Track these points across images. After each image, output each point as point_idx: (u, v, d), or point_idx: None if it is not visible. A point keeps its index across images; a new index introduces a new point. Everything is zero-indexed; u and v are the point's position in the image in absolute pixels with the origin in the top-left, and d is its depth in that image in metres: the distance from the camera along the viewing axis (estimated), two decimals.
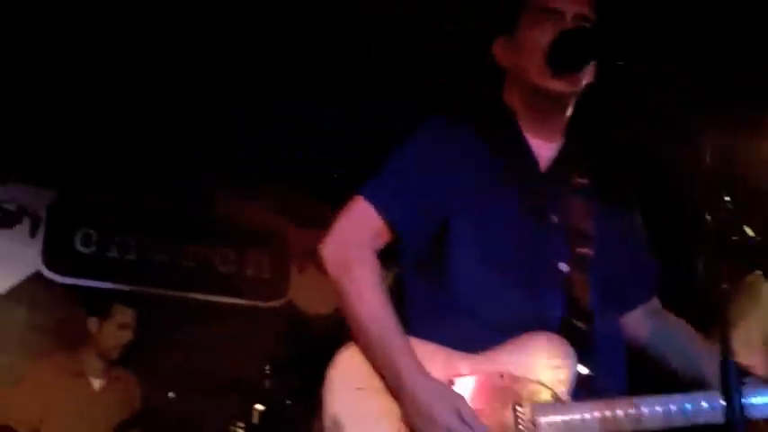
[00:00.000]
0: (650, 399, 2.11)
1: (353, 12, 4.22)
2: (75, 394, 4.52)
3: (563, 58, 2.26)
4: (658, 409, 2.09)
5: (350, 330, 2.19)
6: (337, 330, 2.26)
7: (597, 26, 2.35)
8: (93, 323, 4.81)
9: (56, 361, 4.71)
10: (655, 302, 2.58)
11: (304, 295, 6.47)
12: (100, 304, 4.89)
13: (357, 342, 2.18)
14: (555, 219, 2.33)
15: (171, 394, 4.52)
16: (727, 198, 1.90)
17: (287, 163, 5.81)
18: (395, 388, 2.10)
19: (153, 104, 5.23)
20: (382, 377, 2.12)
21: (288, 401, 4.81)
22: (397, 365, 2.09)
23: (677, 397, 2.13)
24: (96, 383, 4.77)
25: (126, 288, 5.78)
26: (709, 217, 1.88)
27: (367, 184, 2.35)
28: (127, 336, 4.83)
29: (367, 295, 2.19)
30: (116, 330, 4.80)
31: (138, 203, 6.21)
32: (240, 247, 6.50)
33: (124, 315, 4.85)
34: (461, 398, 2.07)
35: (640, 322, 2.53)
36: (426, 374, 2.09)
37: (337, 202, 2.38)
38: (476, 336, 2.18)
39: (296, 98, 5.07)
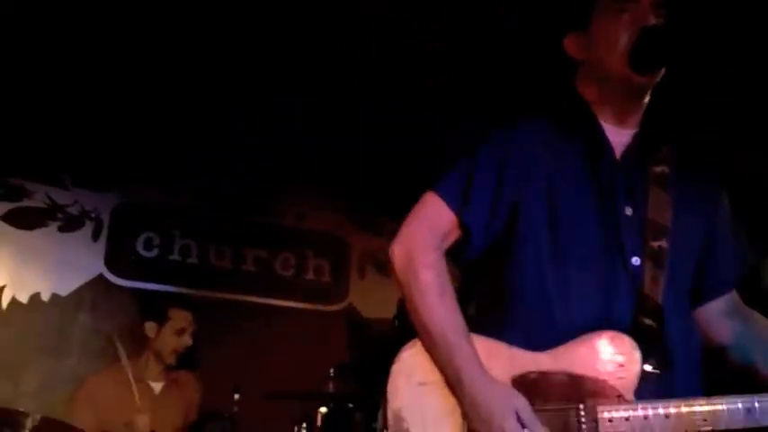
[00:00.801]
0: (719, 398, 2.04)
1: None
2: (135, 399, 4.54)
3: (646, 58, 2.24)
4: (724, 407, 2.02)
5: (415, 331, 2.19)
6: (397, 335, 2.24)
7: (676, 24, 2.30)
8: (150, 328, 4.84)
9: (117, 367, 4.73)
10: (734, 298, 2.46)
11: (364, 299, 6.47)
12: (157, 309, 4.91)
13: (422, 343, 2.18)
14: (629, 210, 2.27)
15: (236, 396, 4.52)
16: None
17: (350, 165, 5.82)
18: (455, 389, 2.09)
19: (210, 111, 5.27)
20: (444, 375, 2.12)
21: (349, 404, 4.78)
22: (457, 368, 2.09)
23: (749, 398, 2.05)
24: (157, 387, 4.80)
25: (186, 291, 5.81)
26: None
27: (440, 180, 2.34)
28: (184, 341, 4.84)
29: (432, 300, 2.19)
30: (173, 335, 4.82)
31: (199, 207, 6.26)
32: (301, 250, 6.52)
33: (181, 320, 4.87)
34: (521, 399, 2.04)
35: (719, 319, 2.42)
36: (486, 376, 2.08)
37: (395, 208, 2.37)
38: (542, 333, 2.16)
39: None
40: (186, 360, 4.91)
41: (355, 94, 4.92)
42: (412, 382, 2.13)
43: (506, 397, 2.05)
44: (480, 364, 2.09)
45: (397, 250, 2.28)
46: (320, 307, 6.44)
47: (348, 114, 5.15)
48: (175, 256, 6.13)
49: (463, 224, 2.28)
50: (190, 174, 5.97)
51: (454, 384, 2.09)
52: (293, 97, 5.04)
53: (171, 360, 4.81)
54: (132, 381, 4.51)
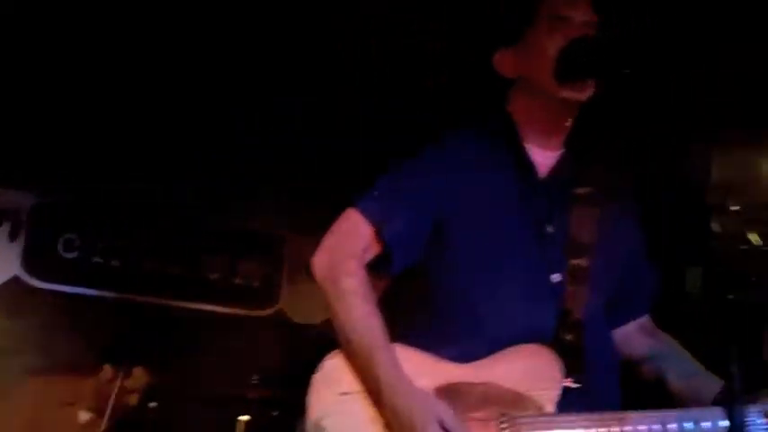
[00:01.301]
0: (639, 414, 2.06)
1: (353, 12, 4.18)
2: (59, 423, 4.39)
3: (571, 67, 2.25)
4: (644, 427, 2.04)
5: (337, 340, 2.19)
6: (328, 341, 2.23)
7: (604, 34, 2.33)
8: (108, 372, 4.70)
9: (49, 382, 4.58)
10: (648, 319, 2.55)
11: (295, 304, 6.40)
12: (125, 359, 4.78)
13: (344, 351, 2.17)
14: (551, 229, 2.31)
15: (152, 404, 4.42)
16: (733, 207, 1.85)
17: (286, 166, 5.71)
18: (376, 397, 2.08)
19: (141, 106, 5.17)
20: (365, 385, 2.11)
21: (274, 413, 4.72)
22: (378, 377, 2.07)
23: (672, 413, 2.08)
24: (83, 417, 4.65)
25: (108, 295, 5.65)
26: (716, 226, 1.82)
27: (362, 196, 2.34)
28: (132, 400, 4.72)
29: (352, 306, 2.18)
30: (125, 392, 4.70)
31: (124, 208, 6.07)
32: (229, 253, 6.40)
33: (139, 380, 4.75)
34: (444, 406, 2.04)
35: (632, 338, 2.50)
36: (408, 384, 2.07)
37: (339, 209, 2.36)
38: (466, 346, 2.17)
39: (296, 98, 5.01)
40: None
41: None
42: (334, 392, 2.12)
43: (428, 405, 2.04)
44: (401, 373, 2.08)
45: (318, 261, 2.28)
46: (248, 312, 6.33)
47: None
48: (98, 259, 5.94)
49: (384, 242, 2.28)
50: (112, 172, 5.80)
51: (375, 393, 2.08)
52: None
53: (107, 411, 4.67)
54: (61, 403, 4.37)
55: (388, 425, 2.04)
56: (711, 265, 1.79)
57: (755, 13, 4.07)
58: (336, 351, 2.18)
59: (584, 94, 2.31)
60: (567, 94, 2.29)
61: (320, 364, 2.17)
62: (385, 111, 4.97)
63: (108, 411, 4.70)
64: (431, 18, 4.19)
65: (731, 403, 1.66)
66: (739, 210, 1.83)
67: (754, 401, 2.08)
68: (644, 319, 2.53)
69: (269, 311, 6.40)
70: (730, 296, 1.74)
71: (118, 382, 4.69)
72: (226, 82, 4.87)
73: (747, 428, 1.99)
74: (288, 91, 4.91)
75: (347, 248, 2.27)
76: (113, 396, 4.69)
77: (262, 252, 6.51)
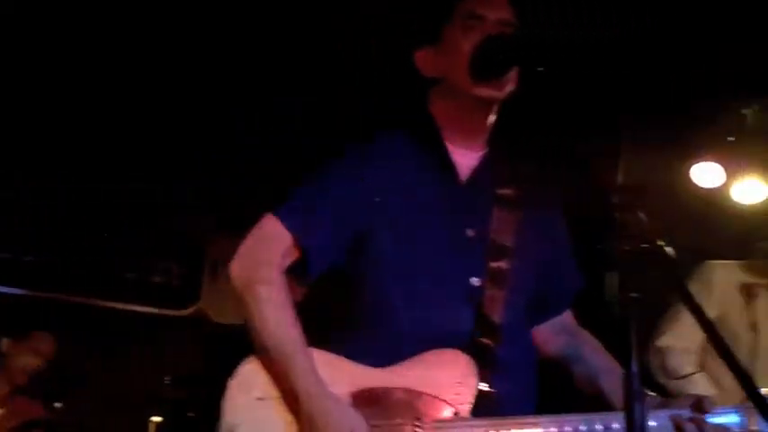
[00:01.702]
0: (552, 418, 2.08)
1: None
2: None
3: (485, 64, 2.26)
4: (555, 430, 2.06)
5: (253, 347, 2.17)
6: (249, 341, 2.21)
7: (518, 32, 2.35)
8: (6, 344, 4.57)
9: None
10: (569, 317, 2.57)
11: (216, 304, 6.33)
12: (17, 326, 4.65)
13: (259, 357, 2.15)
14: (470, 232, 2.31)
15: (57, 404, 4.32)
16: (640, 211, 1.88)
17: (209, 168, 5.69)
18: (292, 403, 2.07)
19: (59, 98, 5.05)
20: (281, 390, 2.10)
21: (190, 414, 4.66)
22: (294, 382, 2.07)
23: (583, 416, 2.10)
24: None
25: (25, 293, 5.52)
26: (621, 229, 1.86)
27: (280, 203, 2.32)
28: (37, 362, 4.59)
29: (268, 312, 2.17)
30: (28, 354, 4.57)
31: (38, 203, 5.93)
32: (148, 252, 6.31)
33: (41, 341, 4.63)
34: (357, 415, 2.05)
35: (549, 336, 2.51)
36: (323, 390, 2.07)
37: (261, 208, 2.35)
38: (384, 350, 2.17)
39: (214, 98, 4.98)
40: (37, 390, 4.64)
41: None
42: (250, 397, 2.10)
43: (343, 412, 2.04)
44: (317, 378, 2.08)
45: (235, 267, 2.26)
46: (167, 312, 6.26)
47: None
48: (7, 255, 5.81)
49: (301, 248, 2.26)
50: (26, 167, 5.66)
51: (290, 397, 2.07)
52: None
53: (21, 380, 4.55)
54: None
55: (302, 430, 2.04)
56: (614, 266, 1.83)
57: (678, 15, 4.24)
58: (253, 356, 2.16)
59: (499, 92, 2.31)
60: (482, 92, 2.29)
61: (236, 370, 2.14)
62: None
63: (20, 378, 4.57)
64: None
65: (629, 408, 1.68)
66: (645, 210, 1.88)
67: (664, 405, 2.15)
68: (565, 317, 2.55)
69: (188, 311, 6.33)
70: (633, 295, 1.77)
71: (19, 347, 4.56)
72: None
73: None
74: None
75: (264, 255, 2.25)
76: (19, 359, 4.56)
77: (182, 250, 6.44)
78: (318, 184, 2.33)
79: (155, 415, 4.60)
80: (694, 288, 3.64)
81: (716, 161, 5.07)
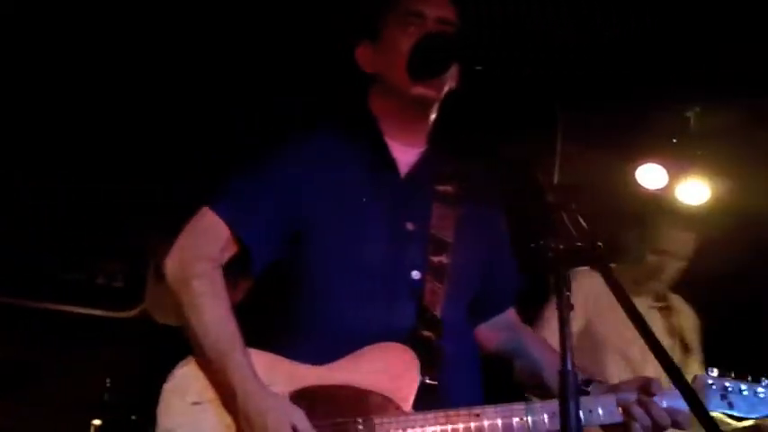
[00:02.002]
0: (495, 408, 2.09)
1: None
2: None
3: (423, 63, 2.25)
4: (499, 421, 2.07)
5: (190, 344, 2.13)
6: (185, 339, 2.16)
7: (457, 31, 2.35)
8: None
9: None
10: (512, 314, 2.59)
11: (161, 305, 6.24)
12: None
13: (195, 356, 2.11)
14: (410, 226, 2.30)
15: None
16: (576, 211, 1.90)
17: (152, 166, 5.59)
18: (230, 403, 2.03)
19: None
20: (219, 392, 2.06)
21: (133, 417, 4.59)
22: (230, 380, 2.03)
23: (526, 406, 2.12)
24: None
25: None
26: (556, 228, 1.88)
27: (216, 195, 2.27)
28: None
29: (204, 309, 2.12)
30: None
31: None
32: (92, 254, 6.20)
33: None
34: (299, 412, 2.01)
35: (492, 333, 2.53)
36: (261, 388, 2.03)
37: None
38: (324, 346, 2.15)
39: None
40: None
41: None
42: (185, 401, 2.07)
43: (282, 410, 2.01)
44: (255, 376, 2.04)
45: (170, 262, 2.21)
46: (111, 314, 6.15)
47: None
48: None
49: (241, 242, 2.23)
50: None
51: (227, 397, 2.03)
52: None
53: None
54: None
55: (240, 431, 2.00)
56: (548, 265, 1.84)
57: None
58: (188, 359, 2.12)
59: (436, 92, 2.31)
60: (418, 91, 2.29)
61: (171, 373, 2.10)
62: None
63: None
64: None
65: (564, 405, 1.70)
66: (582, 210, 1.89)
67: (612, 390, 2.17)
68: (508, 314, 2.56)
69: (132, 313, 6.24)
70: (568, 294, 1.78)
71: None
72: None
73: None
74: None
75: (201, 249, 2.21)
76: None
77: (125, 251, 6.34)
78: (256, 176, 2.30)
79: (96, 418, 4.52)
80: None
81: (660, 163, 5.16)
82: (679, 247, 3.81)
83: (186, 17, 4.27)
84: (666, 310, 3.85)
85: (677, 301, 4.10)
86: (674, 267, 3.80)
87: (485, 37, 2.25)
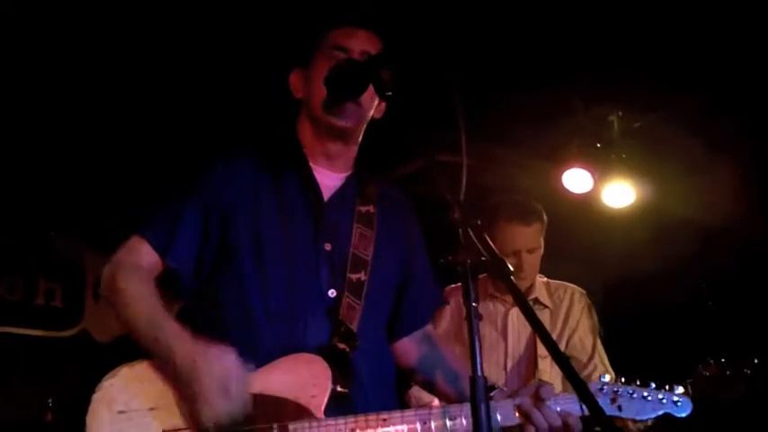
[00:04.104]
0: (401, 413, 2.18)
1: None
2: None
3: (336, 87, 2.32)
4: (404, 426, 2.17)
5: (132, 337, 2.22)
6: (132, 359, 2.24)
7: (368, 58, 2.40)
8: None
9: None
10: (426, 328, 2.66)
11: (100, 324, 6.22)
12: None
13: (138, 344, 2.20)
14: (328, 246, 2.39)
15: None
16: (478, 222, 1.96)
17: (89, 186, 5.59)
18: (170, 368, 2.13)
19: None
20: (161, 363, 2.15)
21: None
22: (170, 345, 2.14)
23: (431, 411, 2.22)
24: None
25: None
26: (462, 243, 1.94)
27: (144, 222, 2.37)
28: None
29: (134, 299, 2.24)
30: None
31: None
32: (30, 274, 6.14)
33: None
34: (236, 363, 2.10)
35: (410, 348, 2.61)
36: (198, 343, 2.12)
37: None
38: (245, 358, 2.18)
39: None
40: None
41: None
42: (112, 410, 2.15)
43: (222, 354, 2.10)
44: (191, 337, 2.13)
45: (104, 275, 2.32)
46: (51, 333, 6.10)
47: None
48: None
49: (169, 267, 2.33)
50: None
51: (187, 369, 2.09)
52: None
53: None
54: None
55: (186, 389, 2.08)
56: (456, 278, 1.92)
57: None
58: (115, 370, 2.20)
59: (354, 121, 2.41)
60: (337, 121, 2.39)
61: (99, 384, 2.18)
62: None
63: None
64: None
65: (475, 410, 1.78)
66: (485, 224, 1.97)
67: (510, 396, 2.27)
68: (427, 329, 2.64)
69: (72, 332, 6.20)
70: (475, 305, 1.86)
71: None
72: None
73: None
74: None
75: (131, 262, 2.32)
76: None
77: (63, 271, 6.29)
78: (181, 199, 2.38)
79: None
80: None
81: (585, 167, 5.28)
82: (526, 242, 3.85)
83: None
84: (538, 305, 3.90)
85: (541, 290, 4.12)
86: (529, 260, 3.84)
87: (392, 54, 2.29)
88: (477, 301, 1.89)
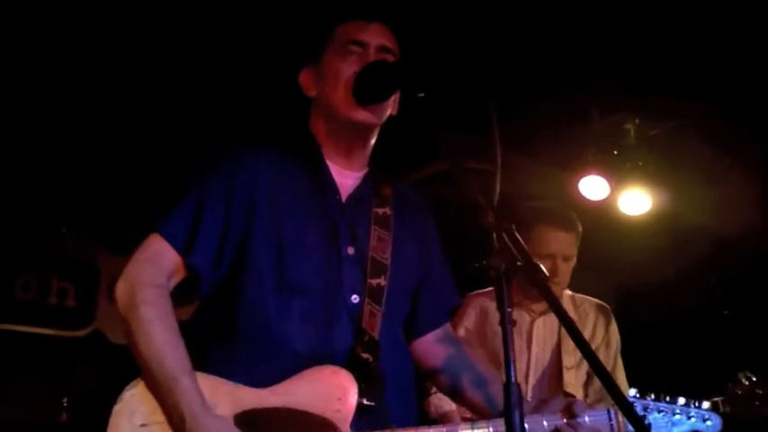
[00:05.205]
0: (431, 429, 2.16)
1: None
2: None
3: (368, 90, 2.29)
4: None
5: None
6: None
7: (400, 59, 2.39)
8: None
9: None
10: (447, 327, 2.62)
11: (113, 324, 6.21)
12: None
13: (144, 379, 2.14)
14: (351, 250, 2.34)
15: None
16: (512, 226, 1.95)
17: (103, 185, 5.59)
18: (177, 427, 2.06)
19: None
20: (167, 415, 2.08)
21: None
22: (178, 404, 2.06)
23: (462, 426, 2.19)
24: None
25: None
26: (497, 247, 1.93)
27: (163, 220, 2.28)
28: None
29: (152, 335, 2.14)
30: None
31: None
32: (43, 273, 6.16)
33: None
34: None
35: (431, 347, 2.55)
36: (208, 412, 2.06)
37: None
38: (265, 368, 2.18)
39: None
40: None
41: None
42: (133, 423, 2.09)
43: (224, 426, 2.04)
44: (202, 400, 2.07)
45: (120, 288, 2.23)
46: (64, 333, 6.11)
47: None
48: None
49: (190, 266, 2.26)
50: None
51: (176, 421, 2.06)
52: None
53: None
54: None
55: None
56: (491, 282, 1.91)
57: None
58: (137, 380, 2.15)
59: (376, 118, 2.36)
60: (359, 116, 2.33)
61: (121, 395, 2.13)
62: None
63: None
64: None
65: (509, 415, 1.76)
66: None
67: (538, 410, 2.25)
68: (444, 329, 2.59)
69: (85, 332, 6.21)
70: (510, 310, 1.85)
71: None
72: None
73: None
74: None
75: (149, 276, 2.22)
76: None
77: (77, 271, 6.30)
78: (202, 198, 2.30)
79: None
80: None
81: (601, 175, 5.27)
82: (563, 248, 3.85)
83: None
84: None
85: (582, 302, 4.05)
86: (563, 268, 3.84)
87: (426, 64, 2.28)
88: (511, 306, 1.87)
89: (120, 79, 4.64)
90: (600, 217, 5.47)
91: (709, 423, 2.32)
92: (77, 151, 5.30)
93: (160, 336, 2.14)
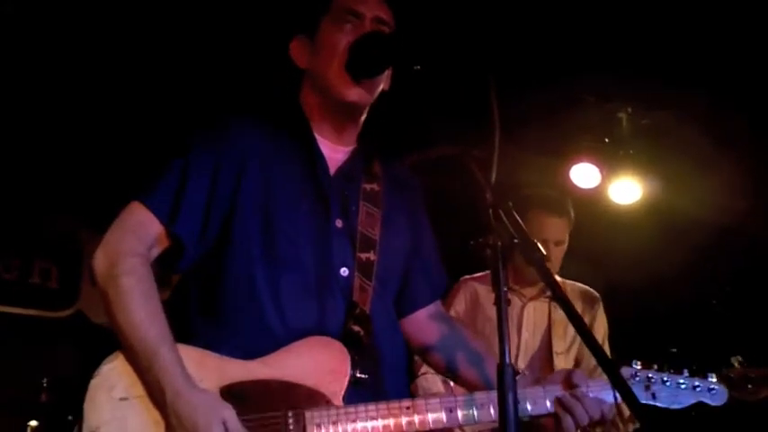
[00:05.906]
0: (426, 401, 2.12)
1: None
2: None
3: (362, 62, 2.24)
4: (431, 415, 2.11)
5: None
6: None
7: (395, 31, 2.34)
8: None
9: None
10: (438, 306, 2.59)
11: (96, 305, 6.15)
12: None
13: (124, 353, 2.07)
14: (339, 223, 2.30)
15: None
16: (510, 204, 1.93)
17: (86, 165, 5.52)
18: (159, 401, 2.01)
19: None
20: (148, 389, 2.03)
21: (70, 417, 4.52)
22: (159, 377, 2.00)
23: (458, 398, 2.15)
24: None
25: None
26: (494, 225, 1.90)
27: (146, 189, 2.21)
28: None
29: (132, 306, 2.08)
30: None
31: None
32: (25, 253, 6.09)
33: None
34: (228, 408, 2.00)
35: (424, 325, 2.52)
36: (190, 385, 2.01)
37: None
38: (255, 340, 2.13)
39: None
40: None
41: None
42: (112, 397, 2.03)
43: (212, 406, 1.99)
44: (184, 373, 2.02)
45: (100, 257, 2.15)
46: (46, 313, 6.06)
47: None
48: None
49: (174, 236, 2.19)
50: None
51: (156, 395, 2.00)
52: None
53: None
54: None
55: (170, 428, 1.98)
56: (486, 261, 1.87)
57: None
58: (115, 354, 2.08)
59: (369, 94, 2.32)
60: (351, 95, 2.28)
61: (98, 368, 2.06)
62: None
63: None
64: None
65: (502, 399, 1.73)
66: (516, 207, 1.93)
67: (537, 383, 2.23)
68: (435, 306, 2.56)
69: (67, 312, 6.15)
70: (505, 289, 1.81)
71: None
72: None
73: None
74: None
75: (131, 246, 2.15)
76: None
77: (60, 251, 6.24)
78: (186, 167, 2.23)
79: (32, 419, 4.44)
80: None
81: (593, 163, 5.26)
82: (556, 232, 3.88)
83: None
84: (553, 302, 3.87)
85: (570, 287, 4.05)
86: (556, 253, 3.85)
87: (420, 36, 2.23)
88: (507, 286, 1.83)
89: (99, 53, 4.56)
90: (590, 205, 5.46)
91: (714, 394, 2.28)
92: (60, 131, 5.24)
93: (141, 307, 2.08)
